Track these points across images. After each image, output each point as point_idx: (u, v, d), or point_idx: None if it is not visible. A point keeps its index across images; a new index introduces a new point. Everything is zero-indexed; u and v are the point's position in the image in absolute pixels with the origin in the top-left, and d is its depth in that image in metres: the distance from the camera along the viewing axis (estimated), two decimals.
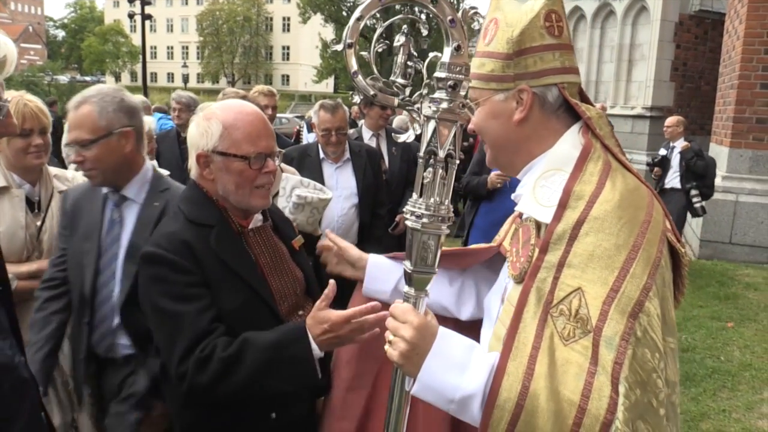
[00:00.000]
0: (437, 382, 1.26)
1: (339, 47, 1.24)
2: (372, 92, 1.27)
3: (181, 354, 1.72)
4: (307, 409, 1.97)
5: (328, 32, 55.47)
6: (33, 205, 2.57)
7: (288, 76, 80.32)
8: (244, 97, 3.54)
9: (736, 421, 4.18)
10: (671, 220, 1.35)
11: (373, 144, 5.08)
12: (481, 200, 4.76)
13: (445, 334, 1.31)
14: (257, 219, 1.98)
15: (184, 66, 61.09)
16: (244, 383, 1.69)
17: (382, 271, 1.80)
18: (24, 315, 2.37)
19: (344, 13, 45.59)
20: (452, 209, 1.33)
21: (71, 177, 2.75)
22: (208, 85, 72.13)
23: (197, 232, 1.84)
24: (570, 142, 1.39)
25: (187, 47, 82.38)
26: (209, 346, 1.71)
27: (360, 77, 1.25)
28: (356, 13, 1.22)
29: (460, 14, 1.24)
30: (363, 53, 1.27)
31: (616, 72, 12.88)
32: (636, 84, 12.65)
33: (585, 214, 1.26)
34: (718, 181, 8.41)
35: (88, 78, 76.43)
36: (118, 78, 78.90)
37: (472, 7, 1.27)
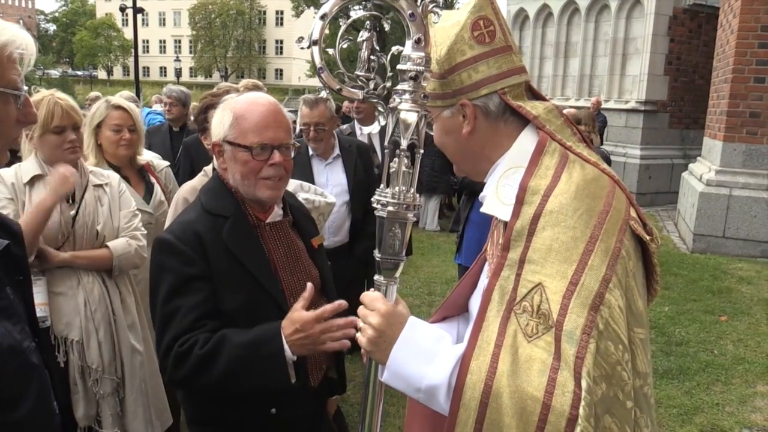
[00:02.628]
0: (404, 370, 1.28)
1: (305, 45, 1.28)
2: (337, 87, 1.31)
3: (165, 347, 1.77)
4: (314, 408, 1.95)
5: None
6: (68, 198, 2.64)
7: (281, 71, 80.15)
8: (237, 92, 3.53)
9: (730, 414, 4.19)
10: (637, 208, 1.33)
11: (365, 139, 5.04)
12: (477, 195, 4.74)
13: (414, 323, 1.33)
14: (276, 213, 1.98)
15: (177, 60, 60.80)
16: (218, 379, 1.72)
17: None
18: (77, 295, 2.59)
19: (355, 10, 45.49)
20: (417, 197, 1.36)
21: (107, 174, 2.85)
22: (201, 79, 71.90)
23: (212, 222, 1.86)
24: (527, 139, 1.39)
25: (179, 41, 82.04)
26: (189, 341, 1.73)
27: (326, 73, 1.29)
28: (320, 12, 1.26)
29: (419, 8, 1.26)
30: (329, 50, 1.31)
31: (610, 66, 12.89)
32: (630, 78, 12.67)
33: (541, 209, 1.25)
34: (711, 175, 8.43)
35: (79, 72, 76.09)
36: (110, 72, 78.53)
37: (432, 1, 1.28)
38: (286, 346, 1.69)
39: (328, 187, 4.01)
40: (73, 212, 2.63)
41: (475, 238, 4.52)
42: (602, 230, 1.22)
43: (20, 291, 1.44)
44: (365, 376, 1.41)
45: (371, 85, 1.32)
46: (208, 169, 2.83)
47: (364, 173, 4.21)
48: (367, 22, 1.35)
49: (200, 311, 1.77)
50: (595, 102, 11.78)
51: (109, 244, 2.69)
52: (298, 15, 55.38)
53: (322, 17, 1.26)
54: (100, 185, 2.75)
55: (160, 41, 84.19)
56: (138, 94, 21.72)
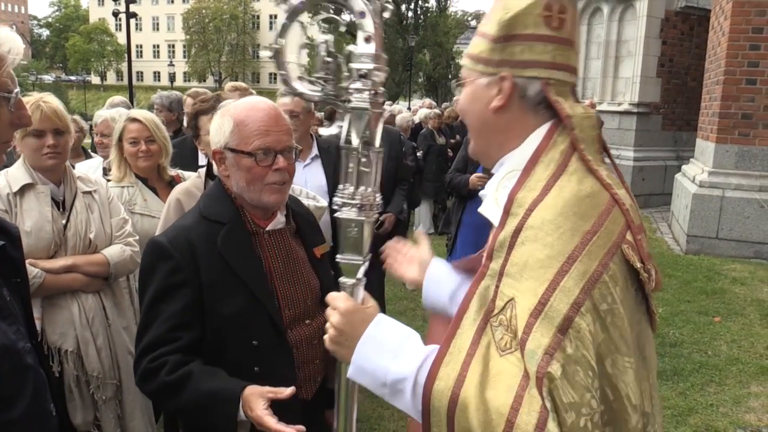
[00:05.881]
0: (369, 364, 1.27)
1: (269, 54, 1.33)
2: (299, 90, 1.34)
3: (139, 352, 1.81)
4: (306, 421, 1.89)
5: (316, 29, 55.23)
6: (58, 205, 2.63)
7: (275, 75, 79.98)
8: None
9: (724, 415, 4.20)
10: (637, 234, 1.24)
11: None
12: (465, 198, 4.75)
13: (381, 320, 1.32)
14: (278, 221, 1.95)
15: (171, 65, 60.74)
16: (175, 411, 1.83)
17: (437, 282, 1.70)
18: (71, 306, 2.58)
19: (331, 11, 45.45)
20: (378, 196, 1.35)
21: (94, 180, 2.84)
22: (195, 83, 71.77)
23: (208, 228, 1.85)
24: (534, 141, 1.31)
25: (173, 46, 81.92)
26: (160, 360, 1.75)
27: (289, 76, 1.33)
28: (281, 21, 1.32)
29: (371, 6, 1.27)
30: (291, 56, 1.35)
31: (603, 68, 12.93)
32: (623, 80, 12.72)
33: (523, 222, 1.20)
34: (704, 177, 8.47)
35: (73, 77, 75.86)
36: (103, 77, 78.32)
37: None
38: (241, 411, 1.67)
39: (306, 189, 3.94)
40: (63, 221, 2.60)
41: (469, 240, 4.53)
42: (584, 251, 1.15)
43: (17, 293, 1.45)
44: (337, 377, 1.43)
45: (329, 86, 1.33)
46: (202, 171, 2.84)
47: None
48: (324, 25, 1.40)
49: (177, 321, 1.77)
50: (589, 104, 11.81)
51: (104, 251, 2.68)
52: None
53: (284, 25, 1.33)
54: (89, 192, 2.74)
55: (154, 46, 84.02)
56: (131, 100, 21.65)
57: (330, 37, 1.32)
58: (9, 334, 1.31)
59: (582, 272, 1.14)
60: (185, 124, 4.90)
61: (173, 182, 3.34)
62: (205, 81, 72.33)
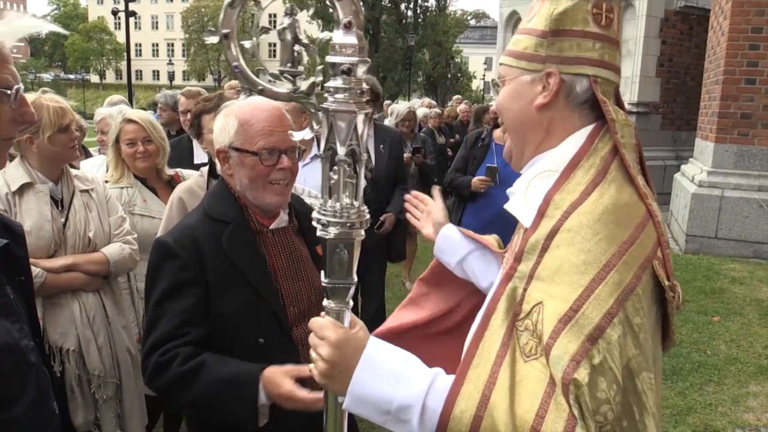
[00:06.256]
0: (370, 393, 1.16)
1: (214, 39, 1.07)
2: (259, 87, 1.11)
3: (147, 349, 1.79)
4: (309, 420, 1.88)
5: (314, 29, 55.31)
6: (56, 203, 2.63)
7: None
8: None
9: (723, 414, 4.21)
10: (666, 252, 1.21)
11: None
12: (465, 200, 4.74)
13: (376, 345, 1.21)
14: (281, 219, 1.97)
15: (170, 63, 60.64)
16: (190, 403, 1.76)
17: (448, 245, 1.78)
18: (71, 305, 2.57)
19: (331, 10, 45.32)
20: (366, 211, 1.18)
21: (91, 178, 2.85)
22: (194, 82, 71.69)
23: (212, 227, 1.86)
24: (574, 143, 1.27)
25: (172, 44, 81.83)
26: (171, 353, 1.74)
27: (244, 69, 1.08)
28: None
29: None
30: (245, 42, 1.11)
31: None
32: (622, 80, 12.65)
33: (559, 225, 1.16)
34: (703, 176, 8.47)
35: (72, 76, 75.75)
36: (102, 76, 78.24)
37: None
38: (262, 394, 1.66)
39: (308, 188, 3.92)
40: (62, 219, 2.60)
41: None
42: (620, 261, 1.11)
43: (21, 291, 1.45)
44: (324, 408, 1.29)
45: (298, 81, 1.10)
46: (204, 170, 2.85)
47: None
48: (288, 5, 1.17)
49: (186, 317, 1.77)
50: None
51: (103, 250, 2.68)
52: None
53: (231, 4, 1.05)
54: (86, 190, 2.74)
55: (153, 45, 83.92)
56: (130, 98, 21.65)
57: (296, 21, 1.08)
58: (12, 332, 1.31)
59: (617, 282, 1.10)
60: (183, 122, 4.89)
61: (172, 182, 3.35)
62: (204, 80, 72.27)
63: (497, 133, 4.58)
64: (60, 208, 2.62)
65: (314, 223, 1.18)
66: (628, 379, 1.08)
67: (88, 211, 2.68)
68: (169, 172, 3.38)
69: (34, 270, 2.38)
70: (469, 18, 72.43)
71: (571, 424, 1.02)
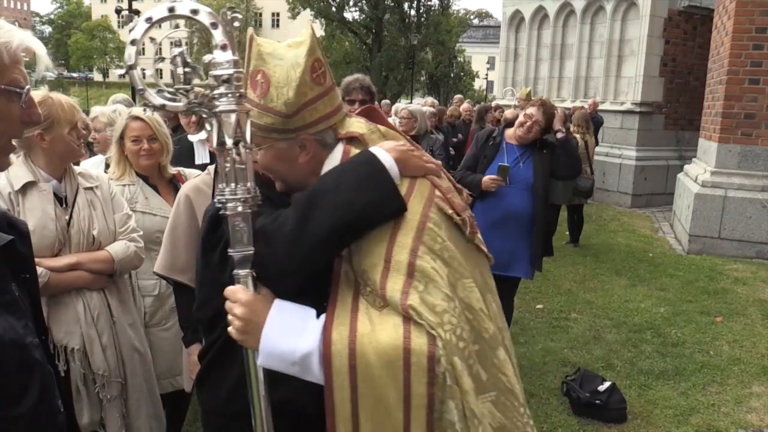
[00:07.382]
0: (277, 348, 1.37)
1: (121, 71, 1.35)
2: (159, 103, 1.38)
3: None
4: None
5: (318, 28, 55.29)
6: (60, 202, 2.61)
7: None
8: None
9: (726, 415, 4.20)
10: (450, 196, 1.53)
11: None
12: (475, 199, 4.72)
13: (280, 305, 1.42)
14: None
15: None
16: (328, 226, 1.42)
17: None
18: (76, 304, 2.56)
19: (333, 9, 45.36)
20: (256, 189, 1.43)
21: (95, 176, 2.83)
22: (196, 81, 71.65)
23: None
24: (338, 152, 1.54)
25: (178, 43, 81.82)
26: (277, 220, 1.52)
27: (148, 91, 1.36)
28: (130, 37, 1.34)
29: (221, 17, 1.37)
30: (146, 71, 1.44)
31: (605, 67, 12.93)
32: (625, 80, 12.71)
33: None
34: (706, 177, 8.46)
35: (75, 74, 75.92)
36: (105, 74, 78.44)
37: (230, 8, 1.38)
38: (386, 158, 1.47)
39: None
40: (66, 217, 2.59)
41: None
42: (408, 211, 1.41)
43: (26, 289, 1.45)
44: (246, 367, 1.48)
45: (191, 96, 1.39)
46: (211, 168, 2.85)
47: None
48: (178, 39, 1.47)
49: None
50: (591, 103, 11.81)
51: (108, 248, 2.66)
52: (294, 17, 55.38)
53: (132, 42, 1.34)
54: (90, 188, 2.71)
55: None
56: (134, 97, 21.59)
57: (183, 49, 1.40)
58: (17, 329, 1.31)
59: (410, 226, 1.39)
60: (184, 124, 4.88)
61: (174, 180, 3.35)
62: (207, 78, 72.22)
63: (509, 132, 4.57)
64: (64, 206, 2.61)
65: (216, 205, 1.42)
66: (451, 288, 1.37)
67: (92, 208, 2.66)
68: (172, 170, 3.38)
69: (38, 270, 2.37)
70: (472, 17, 72.40)
71: (431, 334, 1.28)
